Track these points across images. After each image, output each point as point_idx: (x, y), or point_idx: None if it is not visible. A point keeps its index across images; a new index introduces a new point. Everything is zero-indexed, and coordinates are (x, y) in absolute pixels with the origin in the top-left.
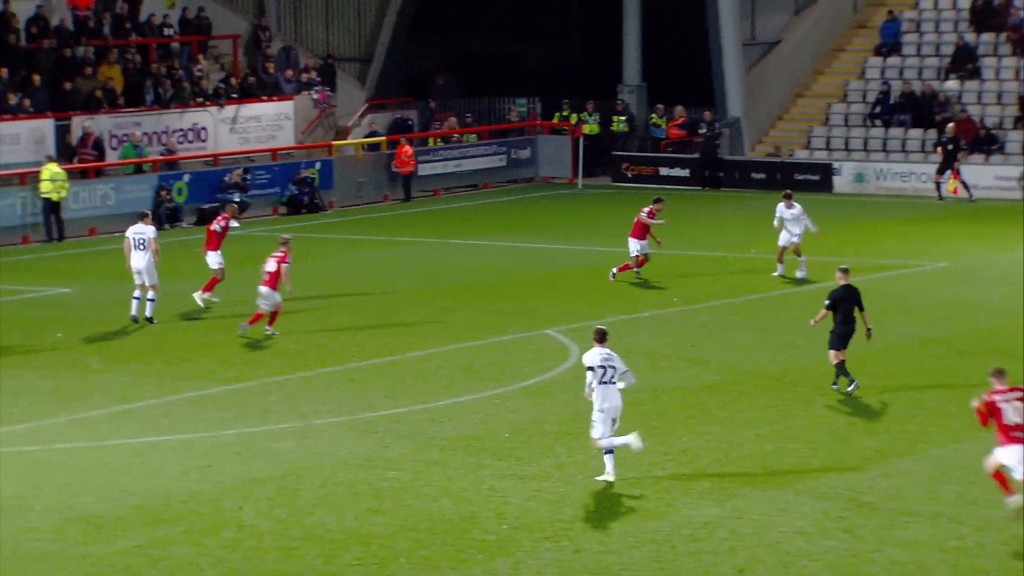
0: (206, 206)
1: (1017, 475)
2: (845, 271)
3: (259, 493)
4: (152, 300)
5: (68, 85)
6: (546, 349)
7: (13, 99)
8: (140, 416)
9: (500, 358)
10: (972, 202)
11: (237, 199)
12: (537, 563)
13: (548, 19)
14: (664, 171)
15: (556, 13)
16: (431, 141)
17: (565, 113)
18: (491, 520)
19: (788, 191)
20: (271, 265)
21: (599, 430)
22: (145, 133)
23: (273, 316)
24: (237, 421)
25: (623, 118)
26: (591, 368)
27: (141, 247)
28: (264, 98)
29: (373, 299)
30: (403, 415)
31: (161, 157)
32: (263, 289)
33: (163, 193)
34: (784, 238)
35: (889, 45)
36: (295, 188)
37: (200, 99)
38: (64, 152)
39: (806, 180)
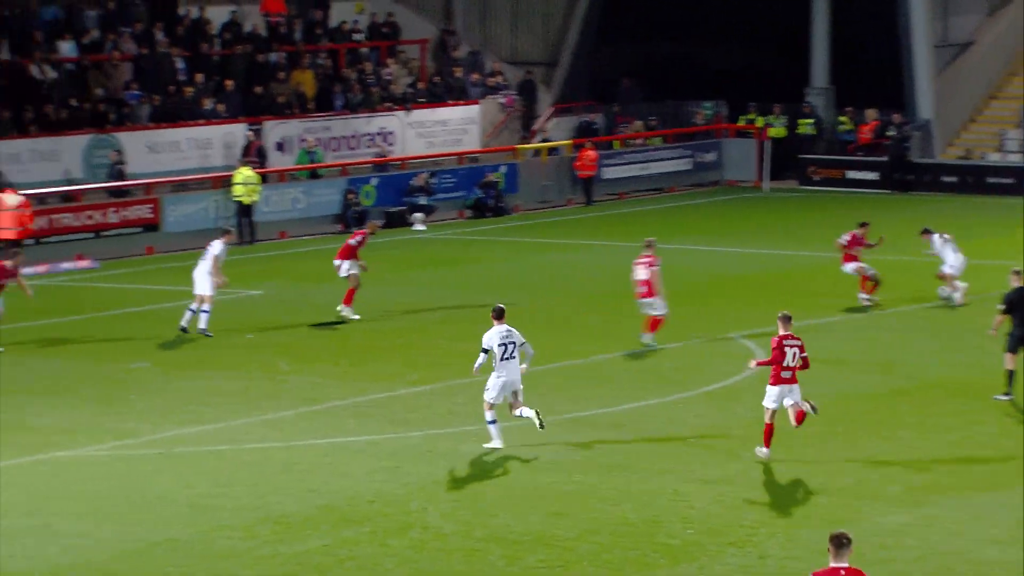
0: (393, 209)
1: (771, 404)
2: (1018, 273)
3: (444, 494)
4: (206, 312)
5: (259, 90)
6: (731, 353)
7: (208, 104)
8: (328, 417)
9: (684, 362)
10: None
11: (423, 202)
12: (722, 568)
13: (735, 22)
14: (851, 174)
15: (743, 16)
16: (616, 144)
17: (751, 116)
18: (675, 524)
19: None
20: (642, 273)
21: (492, 394)
22: (334, 138)
23: (655, 324)
24: (423, 423)
25: (810, 121)
26: (487, 349)
27: (205, 258)
28: (451, 102)
29: (556, 302)
30: (587, 418)
31: (373, 159)
32: (649, 300)
33: (351, 196)
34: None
35: None
36: (481, 192)
37: (388, 103)
38: (256, 155)
39: (999, 183)
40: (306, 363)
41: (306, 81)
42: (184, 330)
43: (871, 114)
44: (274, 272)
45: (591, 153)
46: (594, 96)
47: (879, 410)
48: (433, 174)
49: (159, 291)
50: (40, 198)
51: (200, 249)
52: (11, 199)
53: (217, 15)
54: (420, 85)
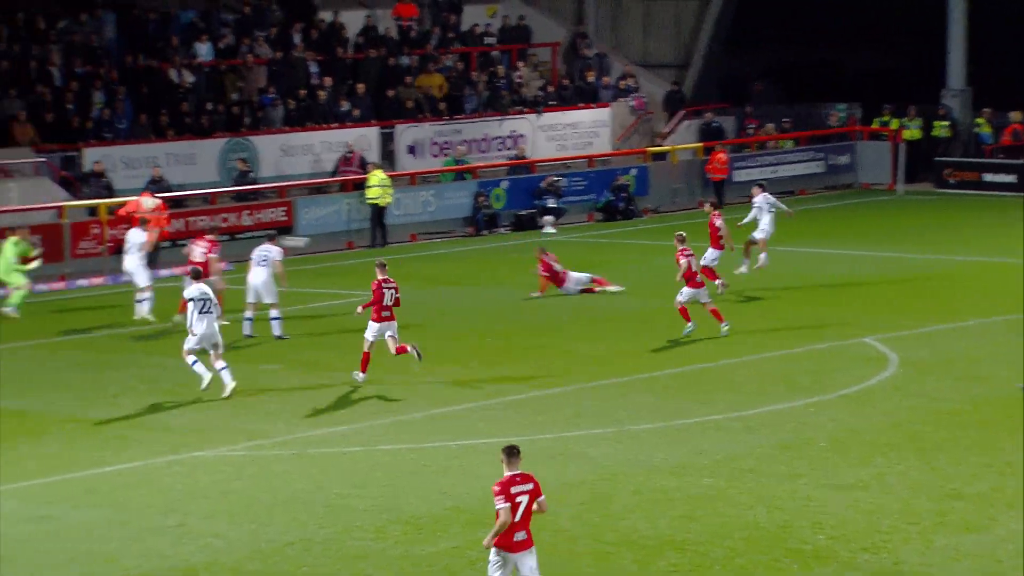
0: (523, 212)
1: (371, 337)
2: None
3: (573, 497)
4: (277, 319)
5: (391, 93)
6: (864, 357)
7: (345, 105)
8: (458, 419)
9: (816, 366)
10: None
11: (552, 205)
12: (855, 575)
13: (870, 24)
14: (989, 177)
15: (878, 18)
16: (747, 147)
17: (886, 118)
18: (807, 530)
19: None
20: (685, 264)
21: (190, 344)
22: (464, 140)
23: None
24: (552, 425)
25: (945, 123)
26: (191, 299)
27: (263, 264)
28: (581, 105)
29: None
30: (717, 423)
31: (506, 162)
32: (699, 291)
33: (481, 199)
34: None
35: None
36: (611, 194)
37: (519, 106)
38: (388, 158)
39: None
40: (438, 365)
41: (434, 84)
42: (250, 336)
43: (1016, 116)
44: (405, 275)
45: (722, 156)
46: (724, 99)
47: (1015, 415)
48: (562, 177)
49: (292, 293)
50: (176, 201)
51: (335, 251)
52: (148, 202)
53: (350, 19)
54: (551, 88)
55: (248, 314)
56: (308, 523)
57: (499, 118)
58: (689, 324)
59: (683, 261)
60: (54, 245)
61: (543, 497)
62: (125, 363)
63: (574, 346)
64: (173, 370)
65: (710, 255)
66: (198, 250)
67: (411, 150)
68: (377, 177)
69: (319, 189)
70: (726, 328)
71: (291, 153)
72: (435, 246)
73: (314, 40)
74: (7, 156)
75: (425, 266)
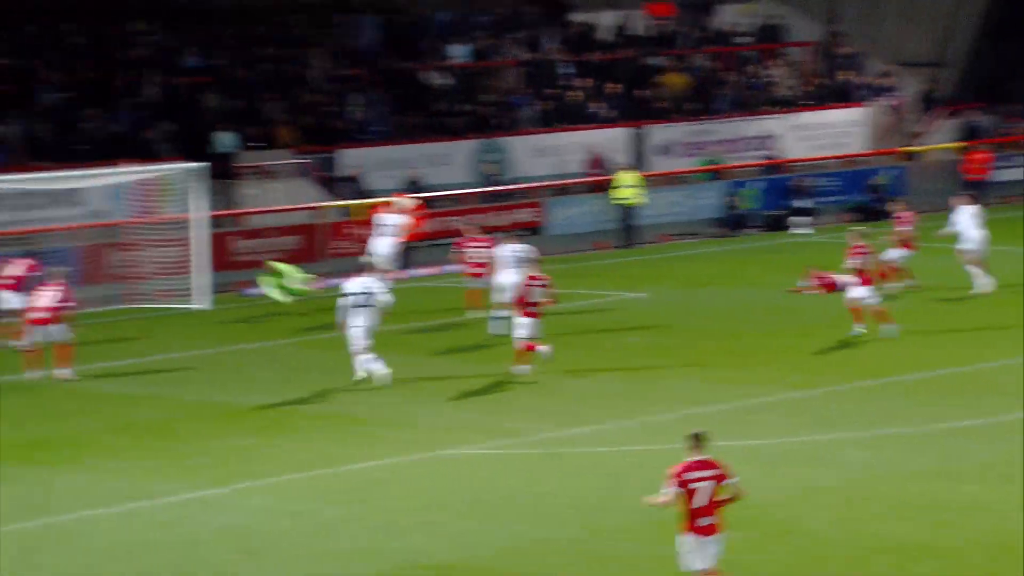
0: (774, 213)
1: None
2: None
3: (824, 501)
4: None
5: (644, 93)
6: None
7: (598, 106)
8: (708, 421)
9: None
10: None
11: (805, 205)
12: None
13: None
14: None
15: None
16: (1007, 147)
17: None
18: None
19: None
20: (859, 263)
21: (360, 342)
22: (716, 140)
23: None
24: (802, 428)
25: None
26: (352, 293)
27: (516, 265)
28: (835, 104)
29: (942, 308)
30: (973, 428)
31: (759, 162)
32: (865, 289)
33: (732, 200)
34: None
35: None
36: (867, 195)
37: (771, 106)
38: (637, 159)
39: None
40: (687, 366)
41: (679, 83)
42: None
43: None
44: (657, 275)
45: (981, 155)
46: (983, 96)
47: None
48: (815, 177)
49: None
50: (429, 202)
51: (583, 252)
52: (403, 203)
53: (602, 19)
54: (804, 87)
55: (498, 313)
56: (556, 523)
57: (751, 118)
58: (860, 326)
59: (856, 260)
60: (310, 245)
61: (736, 480)
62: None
63: (825, 347)
64: (421, 367)
65: (897, 254)
66: (476, 249)
67: (663, 151)
68: (629, 177)
69: (567, 190)
70: (861, 330)
71: (542, 154)
72: (685, 247)
73: (567, 40)
74: (271, 158)
75: (675, 267)
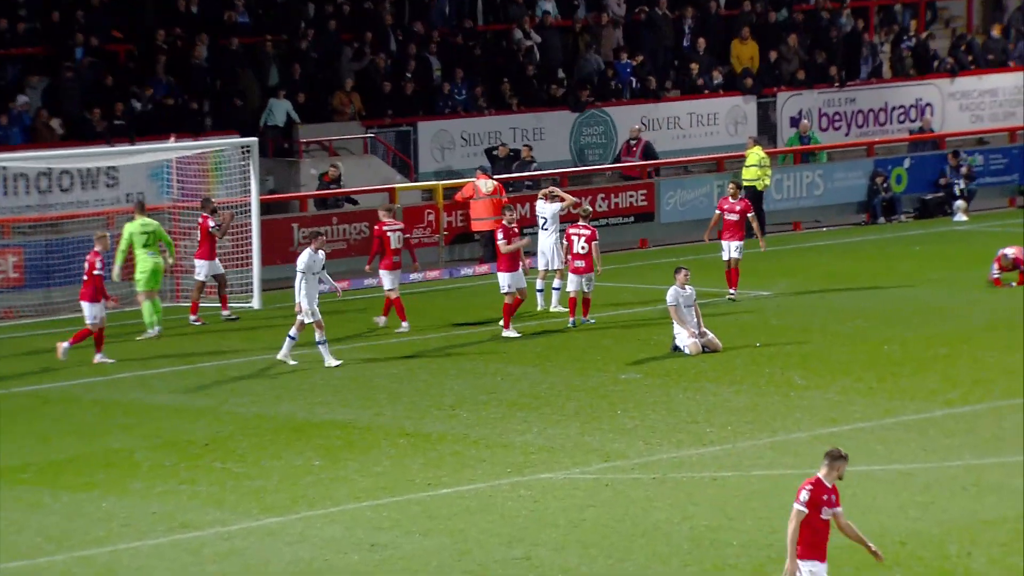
0: (928, 197)
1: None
2: None
3: (990, 537)
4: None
5: (774, 55)
6: None
7: (718, 76)
8: (850, 440)
9: None
10: None
11: (961, 187)
12: None
13: None
14: None
15: None
16: None
17: None
18: None
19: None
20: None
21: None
22: (860, 111)
23: None
24: (964, 450)
25: None
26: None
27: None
28: (1001, 68)
29: None
30: None
31: (911, 136)
32: None
33: (878, 181)
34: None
35: None
36: None
37: (924, 70)
38: (767, 132)
39: None
40: (824, 376)
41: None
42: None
43: None
44: (786, 270)
45: None
46: None
47: None
48: (973, 155)
49: (652, 290)
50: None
51: (698, 242)
52: (485, 185)
53: None
54: (964, 49)
55: (540, 284)
56: (671, 558)
57: (901, 84)
58: None
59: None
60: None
61: (840, 509)
62: (463, 370)
63: (989, 357)
64: (517, 379)
65: None
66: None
67: (794, 122)
68: (756, 155)
69: (686, 169)
70: None
71: (651, 127)
72: (823, 236)
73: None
74: (331, 132)
75: (811, 259)
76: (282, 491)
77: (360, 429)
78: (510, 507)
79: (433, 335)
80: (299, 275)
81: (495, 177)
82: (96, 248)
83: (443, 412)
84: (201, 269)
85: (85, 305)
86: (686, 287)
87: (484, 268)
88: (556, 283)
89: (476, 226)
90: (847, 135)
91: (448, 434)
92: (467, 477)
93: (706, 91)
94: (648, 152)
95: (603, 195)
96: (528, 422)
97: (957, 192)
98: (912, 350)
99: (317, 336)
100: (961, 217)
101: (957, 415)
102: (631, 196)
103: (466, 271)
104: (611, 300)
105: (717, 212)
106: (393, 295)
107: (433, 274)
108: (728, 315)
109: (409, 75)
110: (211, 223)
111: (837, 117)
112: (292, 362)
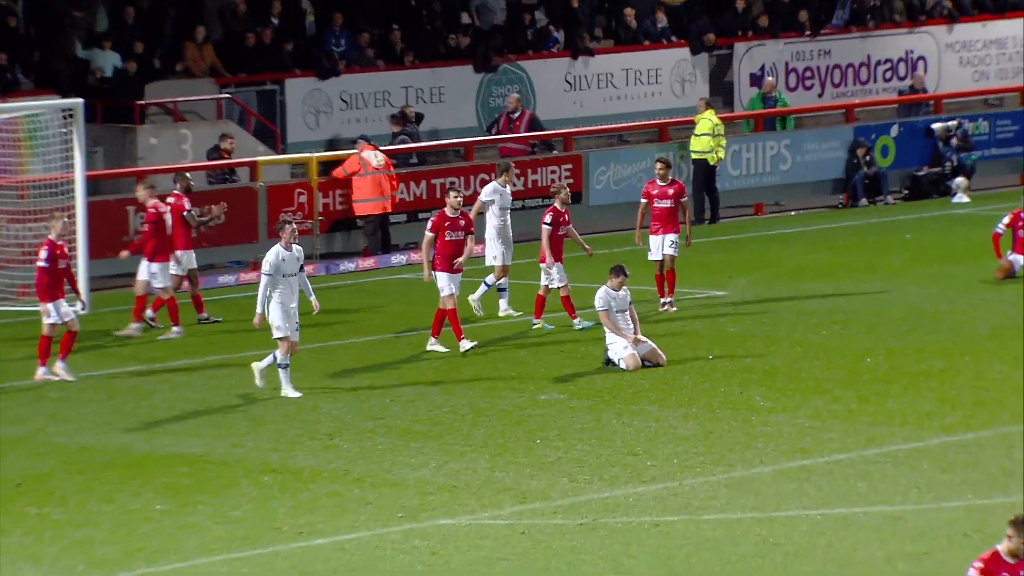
0: (920, 172)
1: None
2: None
3: None
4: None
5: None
6: None
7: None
8: (823, 476)
9: None
10: None
11: (957, 161)
12: None
13: None
14: None
15: None
16: None
17: None
18: None
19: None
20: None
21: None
22: (835, 66)
23: None
24: (965, 488)
25: None
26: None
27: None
28: (1010, 13)
29: None
30: None
31: (900, 98)
32: None
33: (860, 153)
34: None
35: None
36: None
37: (915, 16)
38: (720, 93)
39: None
40: (793, 397)
41: None
42: None
43: None
44: (746, 264)
45: None
46: None
47: None
48: (975, 119)
49: (579, 290)
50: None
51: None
52: (375, 157)
53: None
54: None
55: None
56: None
57: (887, 33)
58: None
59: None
60: (244, 218)
61: None
62: (342, 390)
63: (995, 372)
64: (411, 400)
65: None
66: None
67: (756, 81)
68: (708, 122)
69: (621, 139)
70: None
71: (577, 86)
72: (791, 222)
73: None
74: (179, 91)
75: (776, 251)
76: (115, 542)
77: (214, 464)
78: (401, 561)
79: (305, 346)
80: (264, 279)
81: (382, 149)
82: None
83: (318, 443)
84: (182, 259)
85: None
86: (622, 288)
87: (369, 263)
88: (503, 282)
89: (360, 209)
90: (821, 96)
91: (324, 470)
92: (348, 524)
93: (646, 41)
94: (534, 127)
95: (518, 171)
96: (424, 454)
97: (948, 169)
98: (901, 364)
99: (279, 356)
100: (961, 198)
101: (956, 444)
102: (553, 172)
103: (347, 266)
104: (527, 302)
105: (643, 201)
106: (165, 295)
107: (307, 269)
108: (673, 321)
109: (274, 20)
110: (187, 205)
111: (808, 73)
112: (296, 393)
